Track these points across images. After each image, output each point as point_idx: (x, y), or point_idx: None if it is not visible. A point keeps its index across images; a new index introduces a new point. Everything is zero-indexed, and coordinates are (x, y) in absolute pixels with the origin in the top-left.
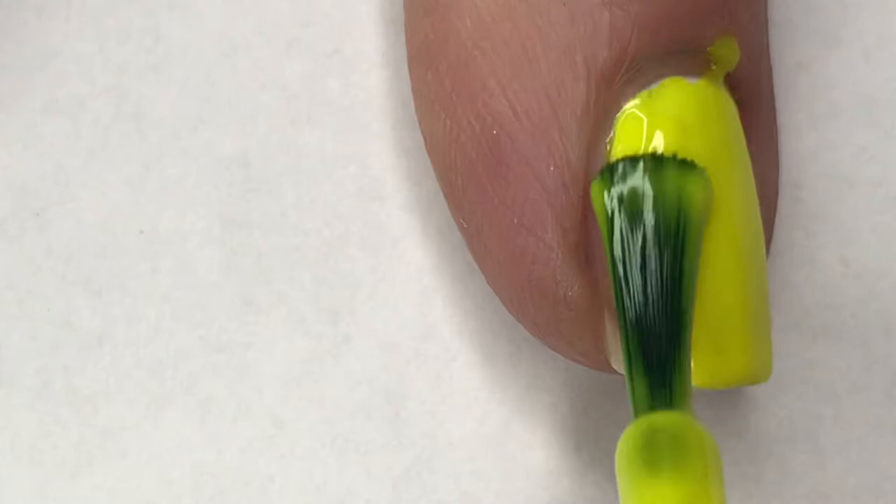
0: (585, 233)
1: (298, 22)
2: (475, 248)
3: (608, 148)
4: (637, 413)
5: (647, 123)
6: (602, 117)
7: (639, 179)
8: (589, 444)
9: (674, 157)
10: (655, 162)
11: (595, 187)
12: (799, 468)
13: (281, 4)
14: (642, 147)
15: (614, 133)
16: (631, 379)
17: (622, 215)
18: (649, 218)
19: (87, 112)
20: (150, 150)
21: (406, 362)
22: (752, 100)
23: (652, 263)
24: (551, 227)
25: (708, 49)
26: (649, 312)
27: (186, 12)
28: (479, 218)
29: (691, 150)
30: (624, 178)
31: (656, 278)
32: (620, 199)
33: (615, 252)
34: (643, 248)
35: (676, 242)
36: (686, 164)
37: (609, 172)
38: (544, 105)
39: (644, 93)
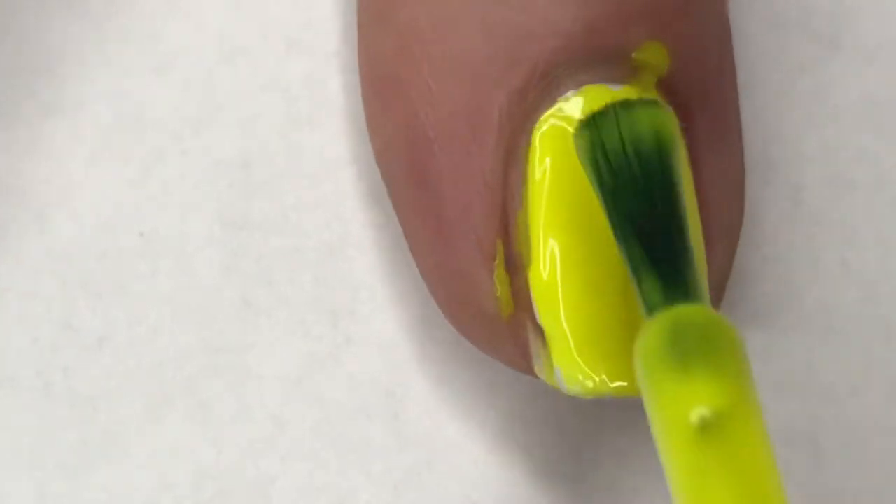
0: (505, 243)
1: (299, 23)
2: (413, 259)
3: (526, 158)
4: (652, 312)
5: (564, 132)
6: (519, 128)
7: (613, 124)
8: (590, 446)
9: (640, 100)
10: (623, 105)
11: (575, 140)
12: (799, 470)
13: (281, 6)
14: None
15: (533, 142)
16: (639, 281)
17: (604, 155)
18: (630, 143)
19: (87, 113)
20: (151, 152)
21: (406, 364)
22: (696, 104)
23: (643, 178)
24: (468, 238)
25: (632, 55)
26: (650, 217)
27: (187, 14)
28: (410, 231)
29: None
30: (598, 126)
31: (652, 189)
32: (602, 142)
33: (603, 175)
34: (630, 165)
35: (662, 157)
36: (653, 102)
37: (583, 127)
38: (460, 119)
39: (562, 101)
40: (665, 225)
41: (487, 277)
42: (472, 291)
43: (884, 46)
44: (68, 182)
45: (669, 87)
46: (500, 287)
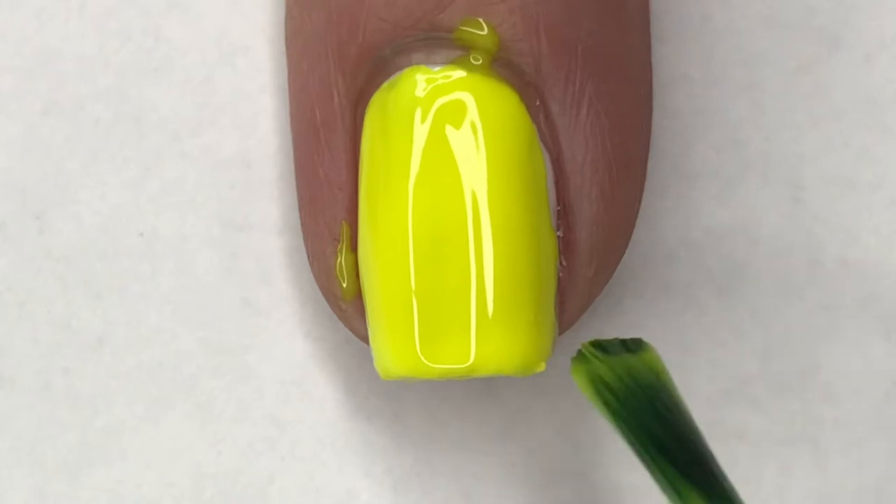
0: (352, 226)
1: None
2: None
3: (360, 140)
4: None
5: (384, 116)
6: (360, 110)
7: (623, 367)
8: (589, 446)
9: (639, 345)
10: (633, 348)
11: (582, 371)
12: (800, 470)
13: (281, 5)
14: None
15: (365, 124)
16: (682, 499)
17: (606, 385)
18: (639, 390)
19: (87, 114)
20: (151, 152)
21: None
22: (547, 83)
23: (658, 419)
24: (321, 221)
25: (452, 35)
26: (667, 434)
27: (187, 13)
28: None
29: (413, 135)
30: (611, 365)
31: (659, 407)
32: (599, 375)
33: (610, 403)
34: (634, 392)
35: (660, 380)
36: (646, 346)
37: (588, 361)
38: (306, 104)
39: (387, 84)
40: (687, 440)
41: (332, 259)
42: (325, 272)
43: (884, 45)
44: (68, 182)
45: (512, 66)
46: (346, 269)
